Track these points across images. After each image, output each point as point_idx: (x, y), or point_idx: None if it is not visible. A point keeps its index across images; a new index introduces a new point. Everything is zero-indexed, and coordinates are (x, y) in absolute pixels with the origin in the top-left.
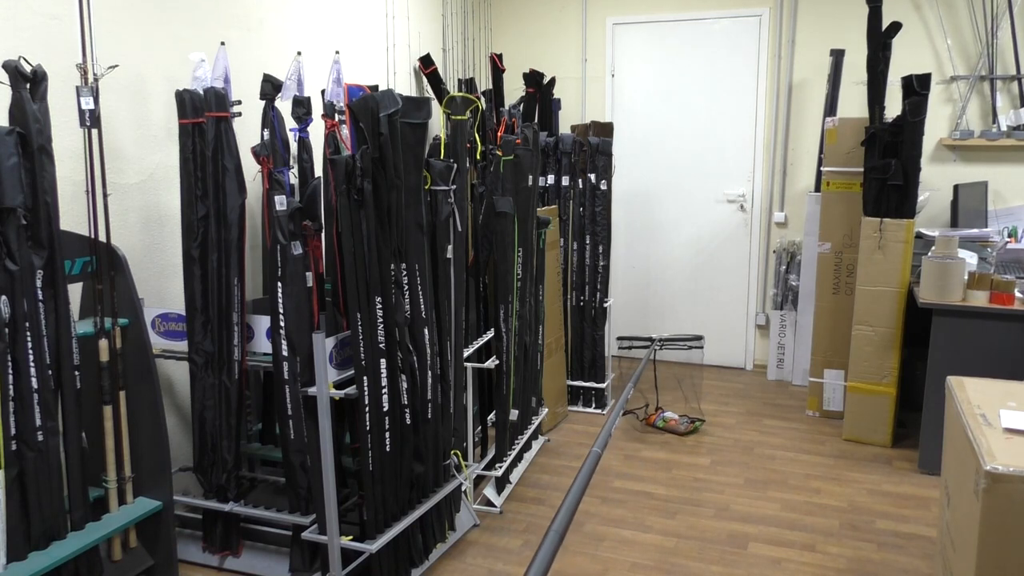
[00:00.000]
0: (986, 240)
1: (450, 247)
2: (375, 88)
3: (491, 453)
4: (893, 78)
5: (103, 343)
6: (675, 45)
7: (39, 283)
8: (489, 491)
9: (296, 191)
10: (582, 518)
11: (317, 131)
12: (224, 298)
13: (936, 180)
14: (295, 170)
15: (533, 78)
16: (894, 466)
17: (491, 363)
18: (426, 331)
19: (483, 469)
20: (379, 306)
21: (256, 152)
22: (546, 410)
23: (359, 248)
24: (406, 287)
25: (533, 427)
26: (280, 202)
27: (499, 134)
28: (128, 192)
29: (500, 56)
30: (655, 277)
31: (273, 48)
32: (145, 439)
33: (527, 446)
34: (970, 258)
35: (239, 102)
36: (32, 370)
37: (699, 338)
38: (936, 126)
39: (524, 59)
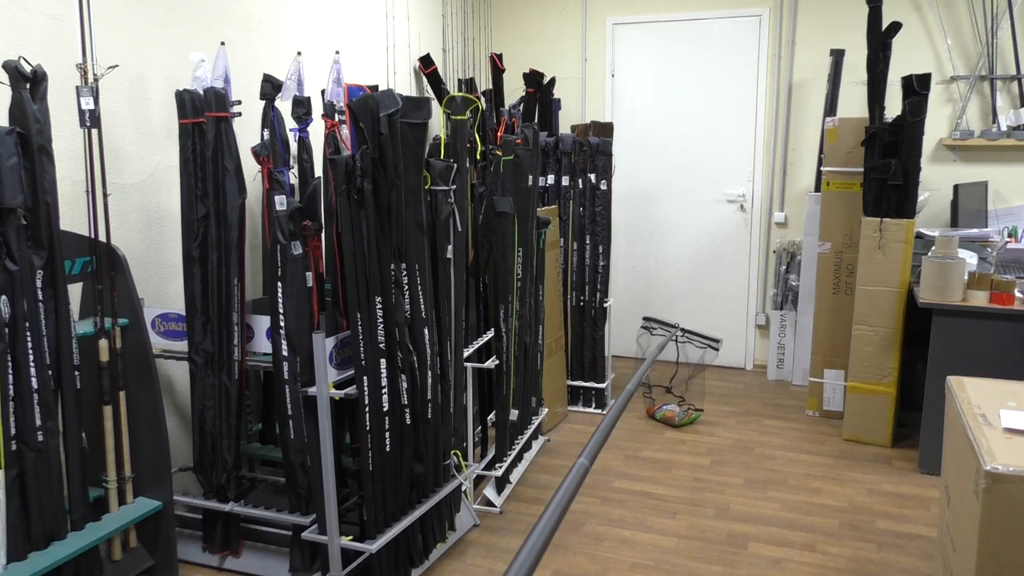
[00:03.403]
0: (986, 240)
1: (450, 247)
2: (375, 88)
3: (491, 453)
4: (893, 78)
5: (103, 343)
6: (675, 45)
7: (39, 283)
8: (489, 491)
9: (296, 191)
10: (582, 518)
11: (317, 131)
12: (224, 298)
13: (936, 180)
14: (295, 170)
15: (533, 78)
16: (894, 466)
17: (491, 363)
18: (426, 331)
19: (483, 469)
20: (379, 306)
21: (256, 152)
22: (546, 410)
23: (359, 248)
24: (406, 287)
25: (533, 427)
26: (280, 202)
27: (499, 134)
28: (128, 192)
29: (500, 56)
30: (655, 277)
31: (273, 48)
32: (145, 439)
33: (527, 446)
34: (970, 258)
35: (239, 102)
36: (32, 370)
37: (718, 341)
38: (936, 126)
39: (524, 59)
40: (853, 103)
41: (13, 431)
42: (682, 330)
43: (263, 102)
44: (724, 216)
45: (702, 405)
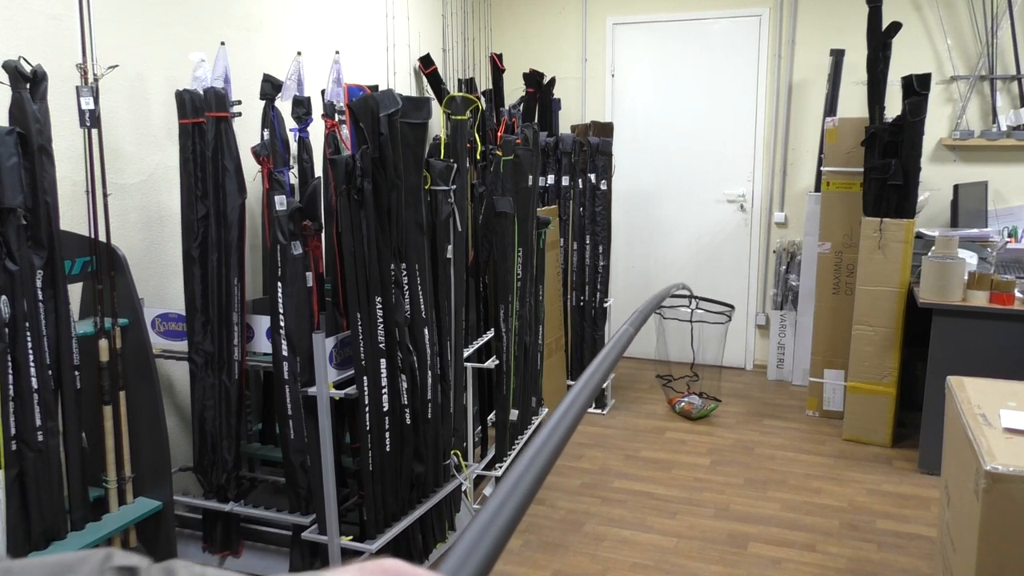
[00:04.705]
0: (986, 240)
1: (450, 247)
2: (375, 88)
3: (491, 453)
4: (893, 78)
5: (103, 343)
6: (675, 45)
7: (39, 283)
8: (489, 491)
9: (296, 191)
10: (582, 518)
11: (317, 131)
12: (224, 298)
13: (936, 180)
14: (295, 170)
15: (533, 78)
16: (894, 466)
17: (491, 363)
18: (426, 331)
19: (483, 469)
20: (379, 306)
21: (256, 152)
22: (546, 410)
23: (359, 248)
24: (406, 287)
25: (533, 427)
26: (280, 202)
27: (499, 134)
28: (128, 192)
29: (500, 56)
30: (655, 277)
31: (273, 48)
32: (145, 439)
33: (527, 446)
34: (970, 258)
35: (239, 102)
36: (32, 370)
37: (731, 307)
38: (936, 126)
39: (524, 59)
40: (853, 103)
41: (13, 431)
42: (693, 296)
43: (263, 102)
44: (724, 216)
45: (719, 387)
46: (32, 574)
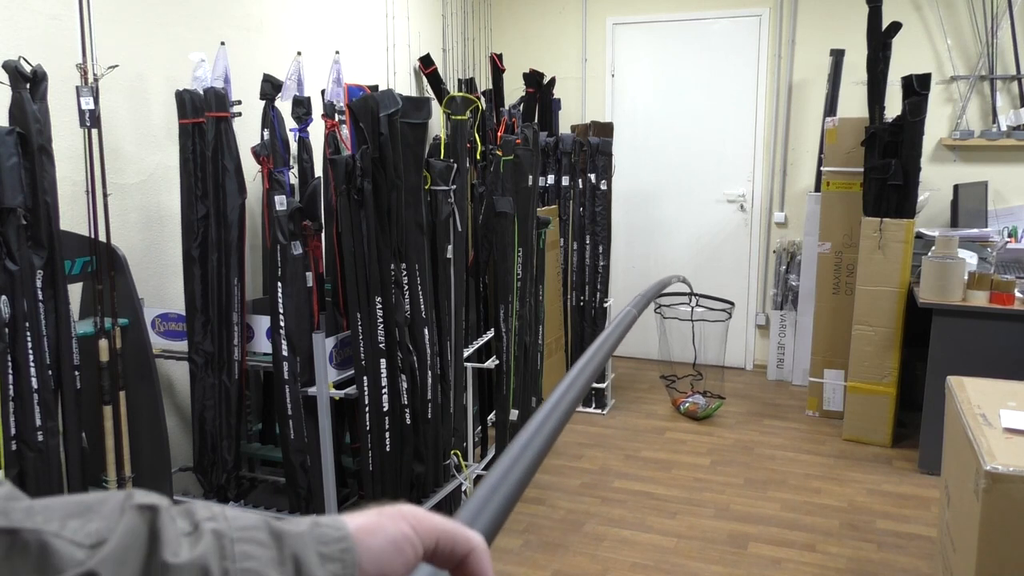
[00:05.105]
0: (986, 240)
1: (450, 247)
2: (375, 88)
3: (491, 453)
4: (893, 78)
5: (103, 343)
6: (675, 45)
7: (39, 283)
8: None
9: (296, 191)
10: (582, 518)
11: (317, 131)
12: (224, 298)
13: (936, 180)
14: (295, 170)
15: (533, 78)
16: (894, 466)
17: (491, 363)
18: (426, 331)
19: (483, 469)
20: (379, 306)
21: (256, 152)
22: None
23: (359, 248)
24: (406, 287)
25: None
26: (280, 202)
27: (499, 134)
28: (128, 192)
29: (500, 56)
30: (655, 277)
31: (273, 48)
32: (145, 439)
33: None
34: (970, 258)
35: (239, 102)
36: (32, 370)
37: (731, 304)
38: (936, 126)
39: (524, 59)
40: (853, 103)
41: (13, 431)
42: (694, 294)
43: (263, 102)
44: (724, 216)
45: (722, 386)
46: (54, 512)
